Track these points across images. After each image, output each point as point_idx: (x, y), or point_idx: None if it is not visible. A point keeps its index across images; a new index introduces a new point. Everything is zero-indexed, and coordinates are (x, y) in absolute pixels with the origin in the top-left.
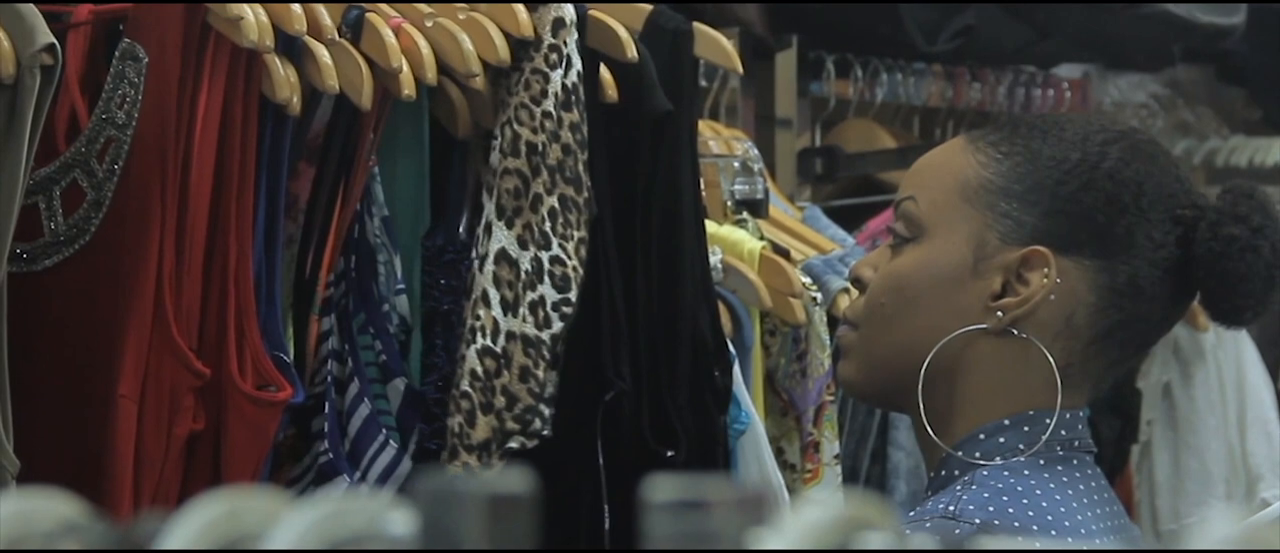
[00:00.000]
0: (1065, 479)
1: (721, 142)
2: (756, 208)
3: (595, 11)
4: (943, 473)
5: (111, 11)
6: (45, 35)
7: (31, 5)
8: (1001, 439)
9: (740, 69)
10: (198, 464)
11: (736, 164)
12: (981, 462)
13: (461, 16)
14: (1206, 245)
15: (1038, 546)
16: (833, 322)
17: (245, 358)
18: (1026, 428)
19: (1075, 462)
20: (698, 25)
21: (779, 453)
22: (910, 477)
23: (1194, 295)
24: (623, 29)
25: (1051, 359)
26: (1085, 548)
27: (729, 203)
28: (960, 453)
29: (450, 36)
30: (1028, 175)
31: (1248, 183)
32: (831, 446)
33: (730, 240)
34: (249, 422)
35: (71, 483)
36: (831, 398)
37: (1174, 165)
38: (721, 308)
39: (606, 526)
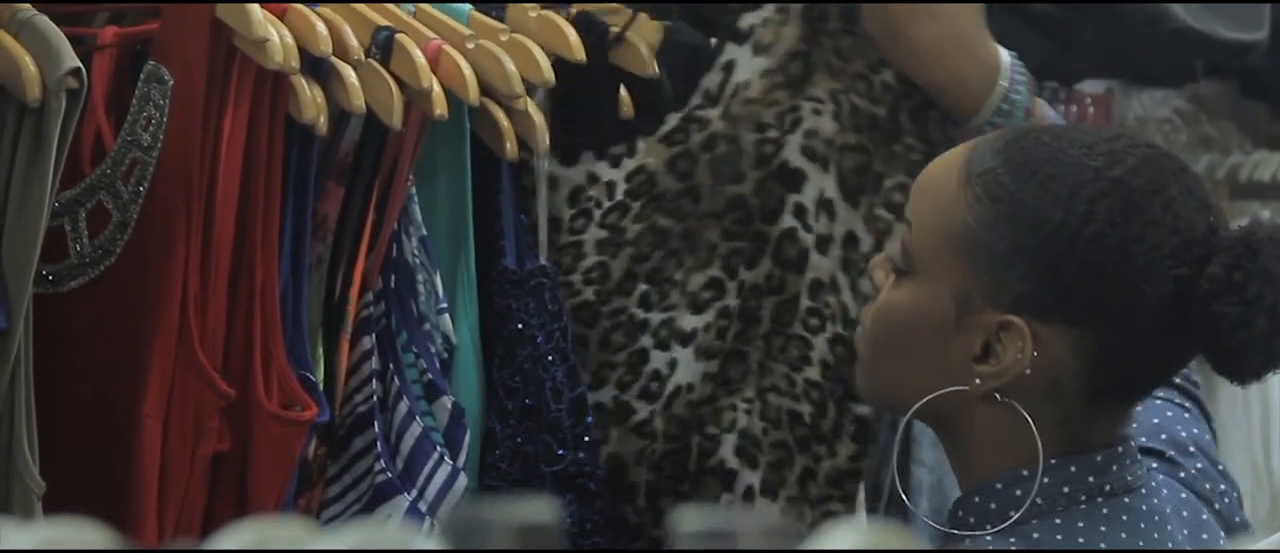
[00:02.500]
0: (1090, 522)
1: None
2: None
3: (617, 28)
4: (961, 515)
5: (137, 34)
6: (71, 59)
7: (57, 29)
8: (993, 505)
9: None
10: (223, 485)
11: None
12: (978, 531)
13: (504, 38)
14: (1200, 314)
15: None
16: None
17: (271, 378)
18: (1018, 492)
19: (1105, 509)
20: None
21: None
22: (932, 493)
23: (1196, 350)
24: (645, 45)
25: (1032, 424)
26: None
27: None
28: (960, 513)
29: (493, 58)
30: (1009, 234)
31: (1270, 227)
32: None
33: None
34: (275, 442)
35: (96, 504)
36: None
37: (1175, 210)
38: None
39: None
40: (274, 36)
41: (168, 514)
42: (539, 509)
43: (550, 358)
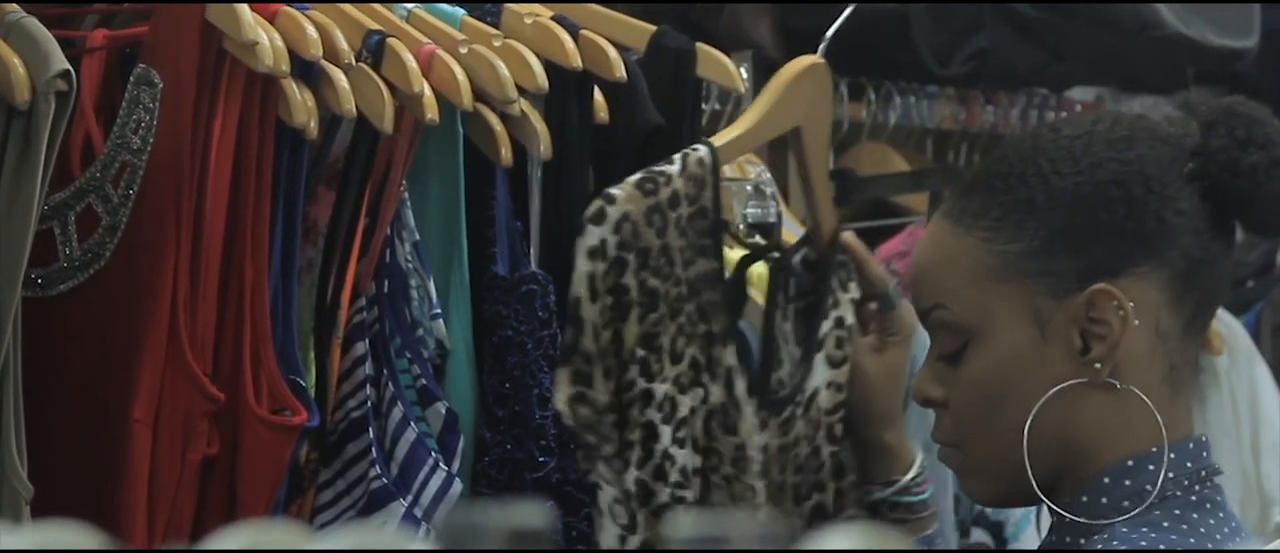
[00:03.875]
0: (1200, 513)
1: (734, 165)
2: (769, 231)
3: (588, 32)
4: (1066, 539)
5: (126, 37)
6: (60, 61)
7: (46, 31)
8: (1104, 499)
9: (742, 88)
10: (213, 489)
11: (749, 187)
12: (1094, 520)
13: (497, 43)
14: (1233, 188)
15: None
16: None
17: (261, 383)
18: (1127, 481)
19: (1208, 505)
20: (701, 46)
21: None
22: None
23: (1234, 229)
24: (613, 49)
25: (1149, 402)
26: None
27: (742, 226)
28: (1071, 516)
29: (486, 63)
30: (1040, 226)
31: (1224, 103)
32: None
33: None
34: (264, 446)
35: (85, 508)
36: None
37: (1153, 129)
38: None
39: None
40: (264, 39)
41: (157, 519)
42: (531, 514)
43: (539, 364)
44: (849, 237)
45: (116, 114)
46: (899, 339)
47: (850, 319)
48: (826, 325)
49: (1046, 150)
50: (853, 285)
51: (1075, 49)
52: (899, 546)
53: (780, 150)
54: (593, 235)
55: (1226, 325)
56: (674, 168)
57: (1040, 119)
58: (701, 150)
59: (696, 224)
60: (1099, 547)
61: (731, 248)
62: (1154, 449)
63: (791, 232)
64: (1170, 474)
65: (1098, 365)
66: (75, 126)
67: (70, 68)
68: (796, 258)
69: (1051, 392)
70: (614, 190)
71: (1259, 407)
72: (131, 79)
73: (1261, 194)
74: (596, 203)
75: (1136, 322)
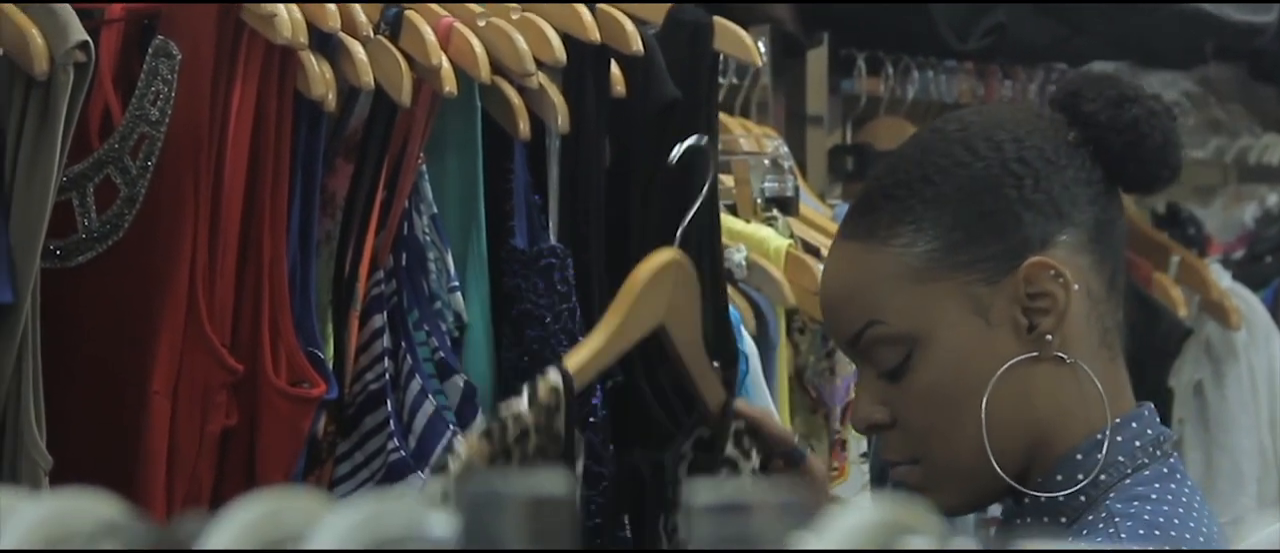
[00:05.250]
0: (1175, 482)
1: (752, 139)
2: (787, 206)
3: (605, 6)
4: (1043, 519)
5: (145, 9)
6: (78, 32)
7: (65, 3)
8: (1079, 475)
9: (759, 62)
10: (231, 461)
11: (767, 162)
12: (1073, 496)
13: (515, 16)
14: (1118, 144)
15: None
16: None
17: (279, 354)
18: (1099, 454)
19: (1178, 474)
20: (718, 19)
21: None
22: None
23: (1118, 190)
24: (629, 22)
25: (1092, 372)
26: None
27: (759, 200)
28: (1047, 495)
29: (505, 36)
30: (958, 218)
31: (1077, 73)
32: (859, 443)
33: (756, 238)
34: (283, 418)
35: (104, 479)
36: None
37: (1023, 110)
38: (745, 305)
39: (684, 449)
40: (282, 11)
41: (176, 490)
42: (552, 482)
43: (558, 338)
44: (741, 403)
45: (135, 86)
46: (815, 489)
47: None
48: None
49: (938, 149)
50: (754, 452)
51: (1093, 23)
52: (918, 519)
53: (798, 126)
54: (431, 488)
55: (1244, 301)
56: (521, 401)
57: None
58: (553, 376)
59: (547, 455)
60: (1102, 525)
61: (748, 222)
62: (1116, 419)
63: (809, 206)
64: (1136, 443)
65: (1048, 337)
66: (94, 98)
67: (89, 39)
68: (686, 445)
69: (1003, 369)
70: (458, 444)
71: (1277, 382)
72: (150, 51)
73: (1146, 145)
74: (440, 457)
75: (1076, 286)
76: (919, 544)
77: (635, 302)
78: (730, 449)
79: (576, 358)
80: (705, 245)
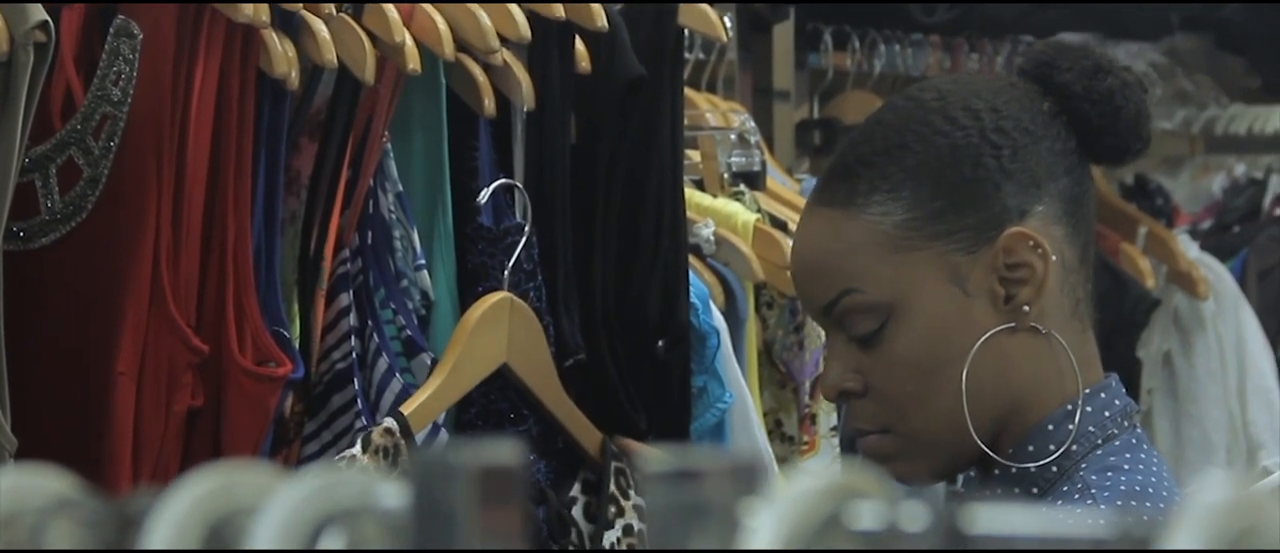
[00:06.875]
0: (1144, 452)
1: (718, 114)
2: (754, 180)
3: None
4: (1014, 490)
5: None
6: (38, 12)
7: None
8: (1051, 446)
9: (724, 38)
10: (198, 441)
11: (733, 137)
12: (1044, 467)
13: None
14: (1093, 115)
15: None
16: None
17: (244, 334)
18: (1070, 425)
19: (1146, 444)
20: None
21: (777, 425)
22: None
23: (1104, 141)
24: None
25: (1065, 343)
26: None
27: (726, 175)
28: (1018, 466)
29: (469, 13)
30: (938, 187)
31: (1048, 42)
32: (829, 418)
33: (723, 213)
34: (249, 398)
35: (70, 461)
36: None
37: (997, 80)
38: (713, 280)
39: (573, 493)
40: None
41: (142, 471)
42: (502, 453)
43: None
44: (623, 441)
45: (97, 66)
46: None
47: (638, 525)
48: (612, 536)
49: (916, 117)
50: (633, 490)
51: None
52: (872, 483)
53: (765, 101)
54: None
55: (1213, 271)
56: (355, 449)
57: None
58: (388, 421)
59: None
60: (1078, 495)
61: (714, 197)
62: (1087, 390)
63: (776, 181)
64: (1105, 413)
65: (1026, 308)
66: (55, 79)
67: (49, 19)
68: (574, 490)
69: (982, 340)
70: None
71: (1245, 352)
72: (111, 30)
73: (1121, 117)
74: None
75: (1055, 257)
76: (869, 510)
77: (468, 342)
78: (611, 487)
79: (413, 402)
80: (666, 218)
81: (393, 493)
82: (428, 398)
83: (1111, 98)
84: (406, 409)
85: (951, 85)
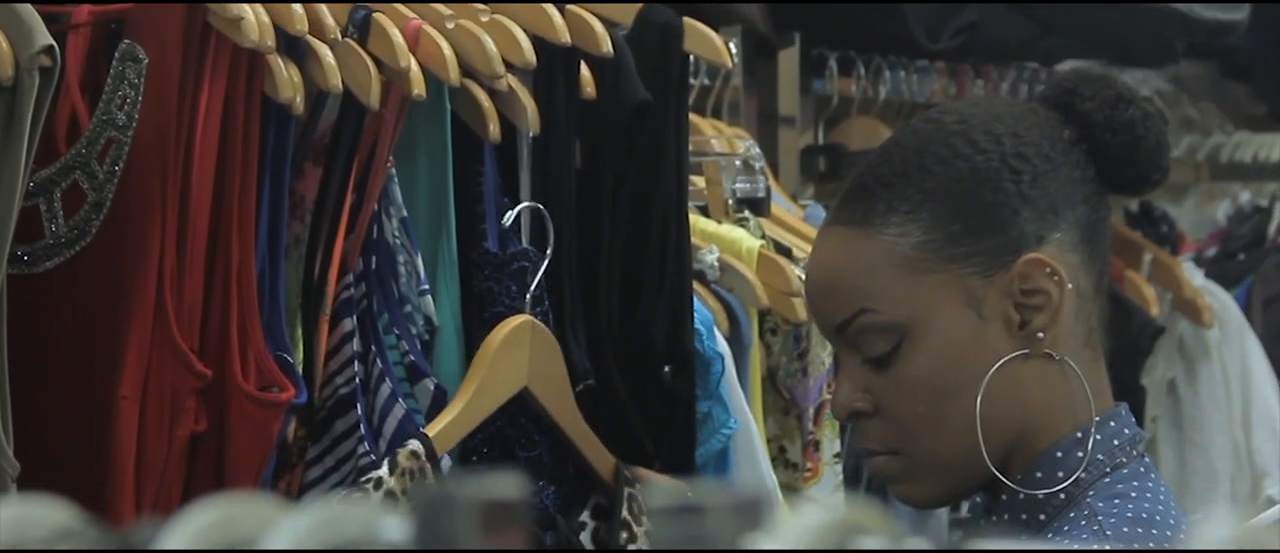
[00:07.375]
0: (1151, 481)
1: (723, 140)
2: (758, 206)
3: (575, 7)
4: (1021, 516)
5: (111, 12)
6: (44, 37)
7: (30, 6)
8: (1059, 473)
9: (729, 63)
10: (200, 466)
11: (738, 162)
12: (1052, 494)
13: (484, 19)
14: (1114, 145)
15: (1043, 546)
16: None
17: (248, 359)
18: (1079, 452)
19: (1153, 474)
20: (688, 20)
21: (780, 452)
22: None
23: (1123, 169)
24: (598, 23)
25: (1081, 376)
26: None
27: (730, 201)
28: (1027, 492)
29: (474, 38)
30: (956, 211)
31: (1072, 70)
32: (832, 444)
33: (728, 239)
34: (252, 422)
35: (73, 485)
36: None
37: (1019, 105)
38: (718, 306)
39: (582, 518)
40: (249, 15)
41: (145, 496)
42: (505, 486)
43: None
44: (635, 469)
45: (102, 90)
46: None
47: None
48: None
49: (937, 139)
50: (643, 516)
51: (1065, 22)
52: (876, 518)
53: (770, 127)
54: None
55: (1217, 299)
56: (382, 471)
57: (1031, 93)
58: (414, 444)
59: None
60: (1084, 521)
61: (719, 223)
62: (1097, 417)
63: (781, 207)
64: (1115, 442)
65: (1040, 335)
66: (60, 103)
67: (55, 43)
68: (584, 515)
69: (996, 366)
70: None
71: (1250, 380)
72: (116, 55)
73: (1141, 147)
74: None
75: (1070, 285)
76: (872, 545)
77: (491, 366)
78: (624, 513)
79: (436, 426)
80: (671, 244)
81: (395, 526)
82: (451, 421)
83: (1133, 128)
84: (430, 431)
85: (973, 109)
